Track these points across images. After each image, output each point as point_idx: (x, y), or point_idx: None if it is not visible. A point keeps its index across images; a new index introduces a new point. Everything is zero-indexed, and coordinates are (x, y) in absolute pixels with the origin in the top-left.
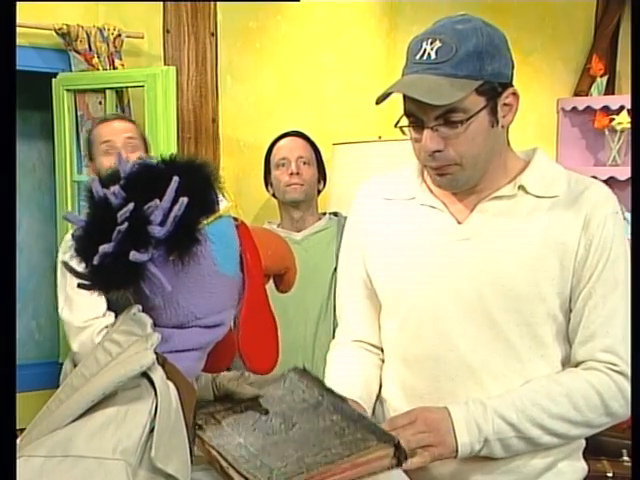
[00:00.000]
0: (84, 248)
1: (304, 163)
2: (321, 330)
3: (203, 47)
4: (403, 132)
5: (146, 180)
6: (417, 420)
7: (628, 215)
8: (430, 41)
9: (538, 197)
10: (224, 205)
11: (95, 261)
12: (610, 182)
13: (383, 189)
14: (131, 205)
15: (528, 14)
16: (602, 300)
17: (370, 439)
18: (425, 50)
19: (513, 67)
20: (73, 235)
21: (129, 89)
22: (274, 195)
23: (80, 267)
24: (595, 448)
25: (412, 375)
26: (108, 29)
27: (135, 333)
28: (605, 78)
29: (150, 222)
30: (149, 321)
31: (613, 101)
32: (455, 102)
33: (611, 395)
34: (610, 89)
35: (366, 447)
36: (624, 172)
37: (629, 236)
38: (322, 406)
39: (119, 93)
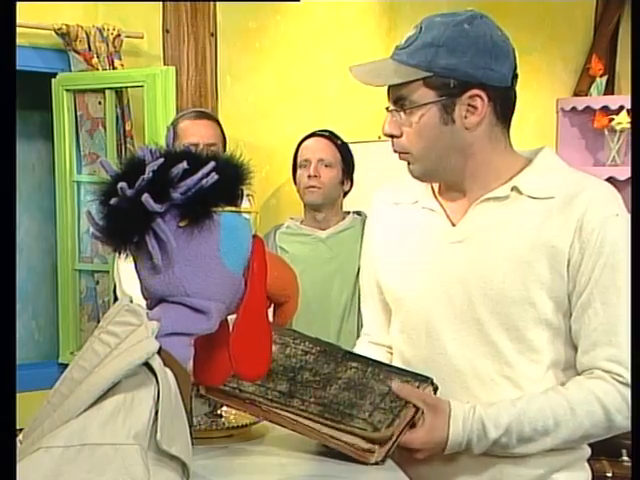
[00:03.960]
0: (107, 191)
1: (325, 165)
2: (345, 328)
3: (202, 47)
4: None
5: (185, 156)
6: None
7: (628, 215)
8: (412, 29)
9: (533, 198)
10: (247, 207)
11: (112, 202)
12: (609, 182)
13: (394, 194)
14: (160, 160)
15: (528, 14)
16: (602, 307)
17: (410, 380)
18: (405, 37)
19: (496, 70)
20: (103, 181)
21: (129, 89)
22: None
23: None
24: (594, 448)
25: None
26: (107, 29)
27: (131, 323)
28: (604, 78)
29: (174, 186)
30: (144, 311)
31: (612, 101)
32: (401, 88)
33: (616, 408)
34: (609, 89)
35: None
36: (623, 172)
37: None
38: (329, 354)
39: (119, 93)
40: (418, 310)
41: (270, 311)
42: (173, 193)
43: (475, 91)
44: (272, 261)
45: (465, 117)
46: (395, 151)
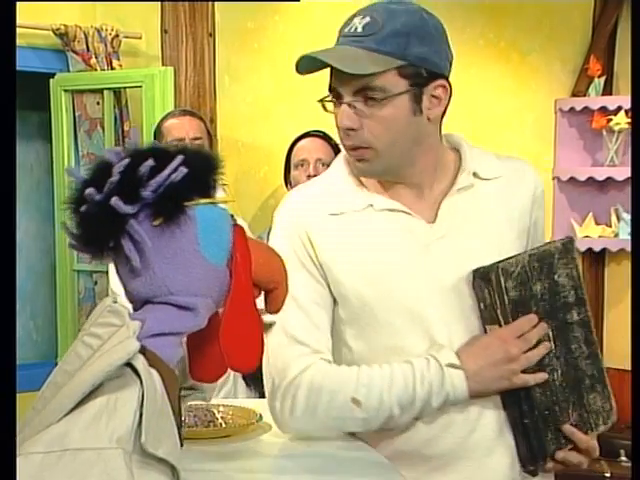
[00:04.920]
0: (77, 199)
1: (323, 165)
2: None
3: (201, 47)
4: (324, 107)
5: (151, 152)
6: None
7: (626, 215)
8: (361, 17)
9: (487, 180)
10: (222, 197)
11: (82, 209)
12: (608, 182)
13: (323, 204)
14: (126, 160)
15: (526, 15)
16: None
17: None
18: (354, 25)
19: (449, 61)
20: (72, 189)
21: (127, 89)
22: None
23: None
24: None
25: None
26: (106, 29)
27: (113, 324)
28: (603, 79)
29: (144, 185)
30: (126, 311)
31: (611, 102)
32: (373, 77)
33: None
34: (608, 89)
35: None
36: (622, 172)
37: (628, 237)
38: None
39: (117, 93)
40: (411, 314)
41: (261, 299)
42: (143, 192)
43: (441, 81)
44: (256, 249)
45: (429, 108)
46: (351, 147)
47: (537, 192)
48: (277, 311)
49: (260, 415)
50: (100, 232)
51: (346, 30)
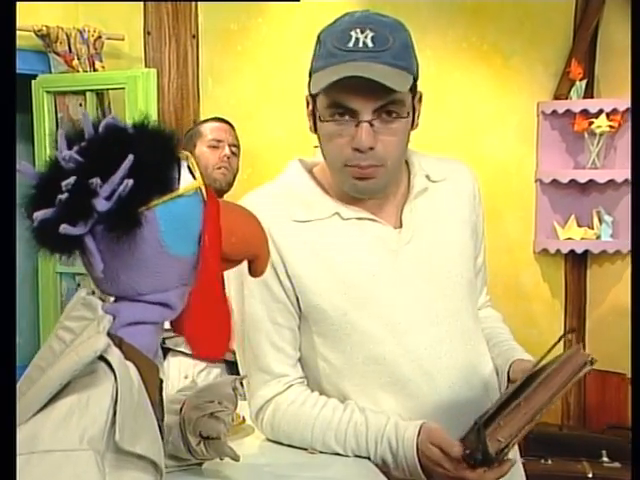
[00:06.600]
0: (31, 206)
1: None
2: None
3: (184, 49)
4: (314, 129)
5: (105, 149)
6: None
7: (607, 218)
8: (360, 30)
9: (437, 182)
10: (189, 183)
11: (36, 224)
12: (590, 185)
13: (286, 210)
14: (72, 179)
15: (507, 17)
16: (483, 261)
17: None
18: (358, 38)
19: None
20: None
21: (110, 91)
22: None
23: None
24: (575, 449)
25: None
26: (88, 31)
27: (86, 317)
28: (584, 82)
29: (95, 195)
30: (99, 303)
31: (592, 104)
32: (395, 93)
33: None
34: (589, 92)
35: None
36: (603, 175)
37: (610, 239)
38: None
39: (99, 95)
40: (387, 322)
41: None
42: (95, 205)
43: (419, 92)
44: (230, 225)
45: (416, 118)
46: (365, 166)
47: (476, 189)
48: (259, 276)
49: (243, 417)
50: (57, 249)
51: (350, 45)
